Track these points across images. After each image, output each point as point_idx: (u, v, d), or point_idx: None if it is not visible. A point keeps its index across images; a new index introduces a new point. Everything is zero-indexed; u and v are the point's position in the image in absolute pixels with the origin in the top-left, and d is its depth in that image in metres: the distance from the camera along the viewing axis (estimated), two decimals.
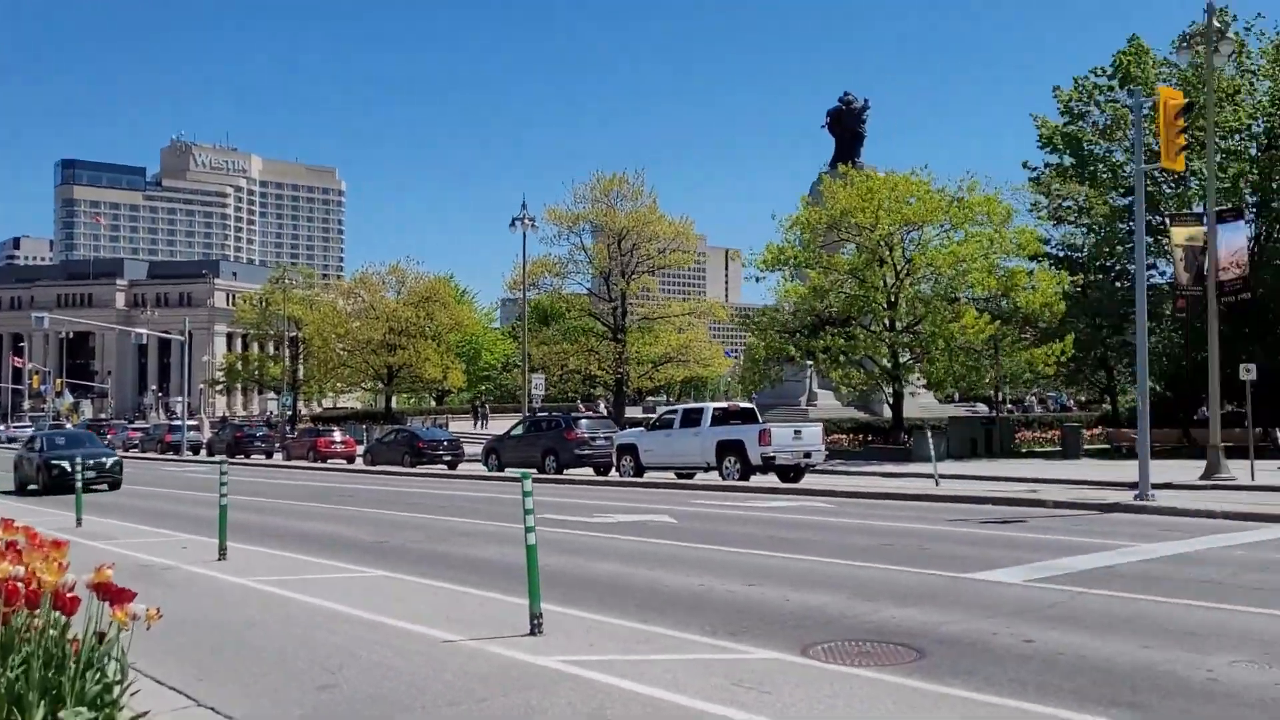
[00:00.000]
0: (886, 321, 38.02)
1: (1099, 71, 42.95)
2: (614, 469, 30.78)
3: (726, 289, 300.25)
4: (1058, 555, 12.49)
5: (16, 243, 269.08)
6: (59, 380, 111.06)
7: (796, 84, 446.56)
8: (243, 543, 14.94)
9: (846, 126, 64.41)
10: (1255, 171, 37.98)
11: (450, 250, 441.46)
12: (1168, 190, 40.65)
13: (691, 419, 28.66)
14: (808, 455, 27.03)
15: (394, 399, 71.84)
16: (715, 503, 21.52)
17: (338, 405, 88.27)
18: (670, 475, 29.40)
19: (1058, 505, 18.30)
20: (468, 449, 46.18)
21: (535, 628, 8.71)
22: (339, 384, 70.99)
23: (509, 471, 34.65)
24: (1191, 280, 24.65)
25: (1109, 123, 41.67)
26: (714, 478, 27.67)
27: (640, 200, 51.96)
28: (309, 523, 19.04)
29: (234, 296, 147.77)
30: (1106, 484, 23.82)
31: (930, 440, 26.51)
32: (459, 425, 67.26)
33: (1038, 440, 43.13)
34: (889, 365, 38.26)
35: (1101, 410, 52.54)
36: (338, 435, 47.00)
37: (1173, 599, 9.67)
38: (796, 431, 27.26)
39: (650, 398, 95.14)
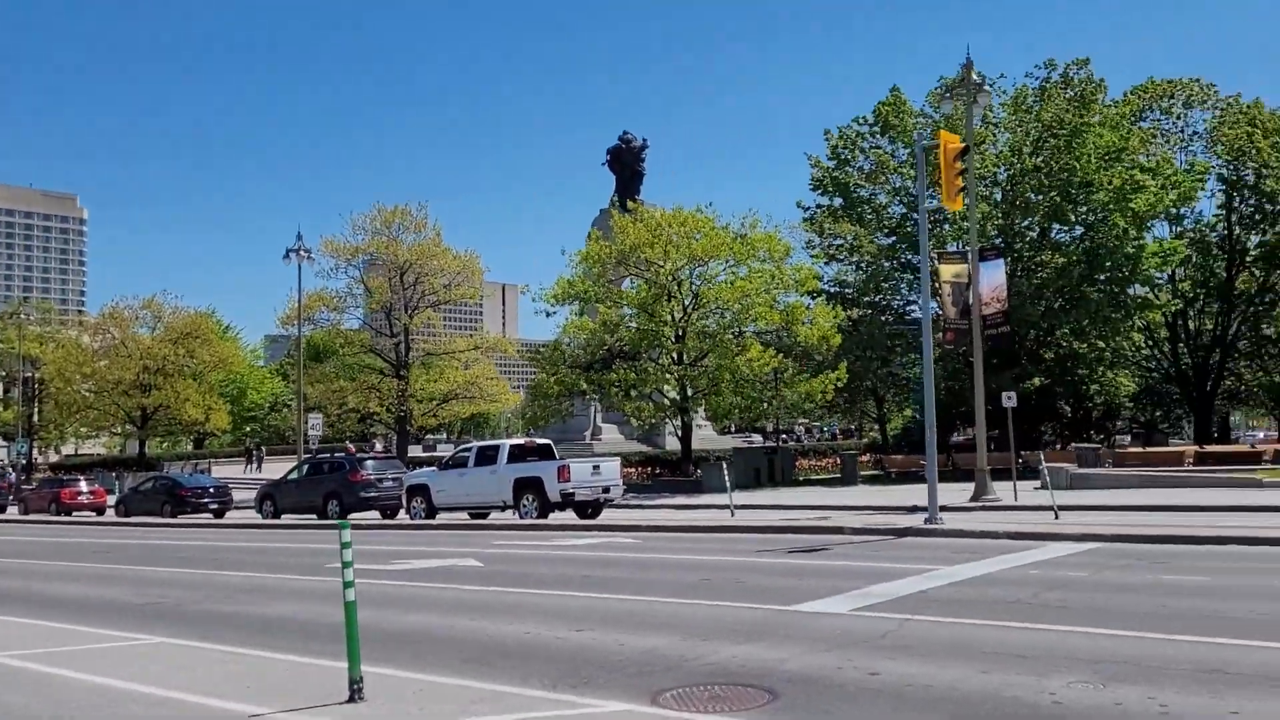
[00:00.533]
0: (675, 355, 38.61)
1: (861, 120, 45.85)
2: (404, 511, 29.42)
3: (504, 325, 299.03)
4: (871, 582, 12.72)
5: None
6: None
7: (577, 123, 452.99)
8: None
9: (626, 164, 65.81)
10: (999, 216, 41.53)
11: (210, 286, 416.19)
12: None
13: (487, 456, 27.84)
14: (606, 490, 26.81)
15: (148, 444, 66.18)
16: (518, 543, 20.84)
17: (79, 452, 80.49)
18: (463, 516, 28.42)
19: (855, 532, 18.88)
20: (238, 495, 43.21)
21: (356, 694, 7.85)
22: (84, 429, 64.69)
23: (286, 519, 32.56)
24: (958, 314, 26.33)
25: (873, 168, 44.46)
26: (510, 517, 26.97)
27: (424, 233, 50.63)
28: (62, 585, 16.87)
29: None
30: (890, 509, 24.96)
31: (727, 471, 26.96)
32: (226, 470, 62.85)
33: (815, 468, 45.02)
34: (677, 398, 38.84)
35: (869, 437, 55.61)
36: (84, 485, 42.60)
37: (992, 621, 9.96)
38: (595, 467, 26.99)
39: (430, 436, 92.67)
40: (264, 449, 67.80)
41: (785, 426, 67.31)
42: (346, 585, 8.01)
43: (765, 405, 38.12)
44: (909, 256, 44.23)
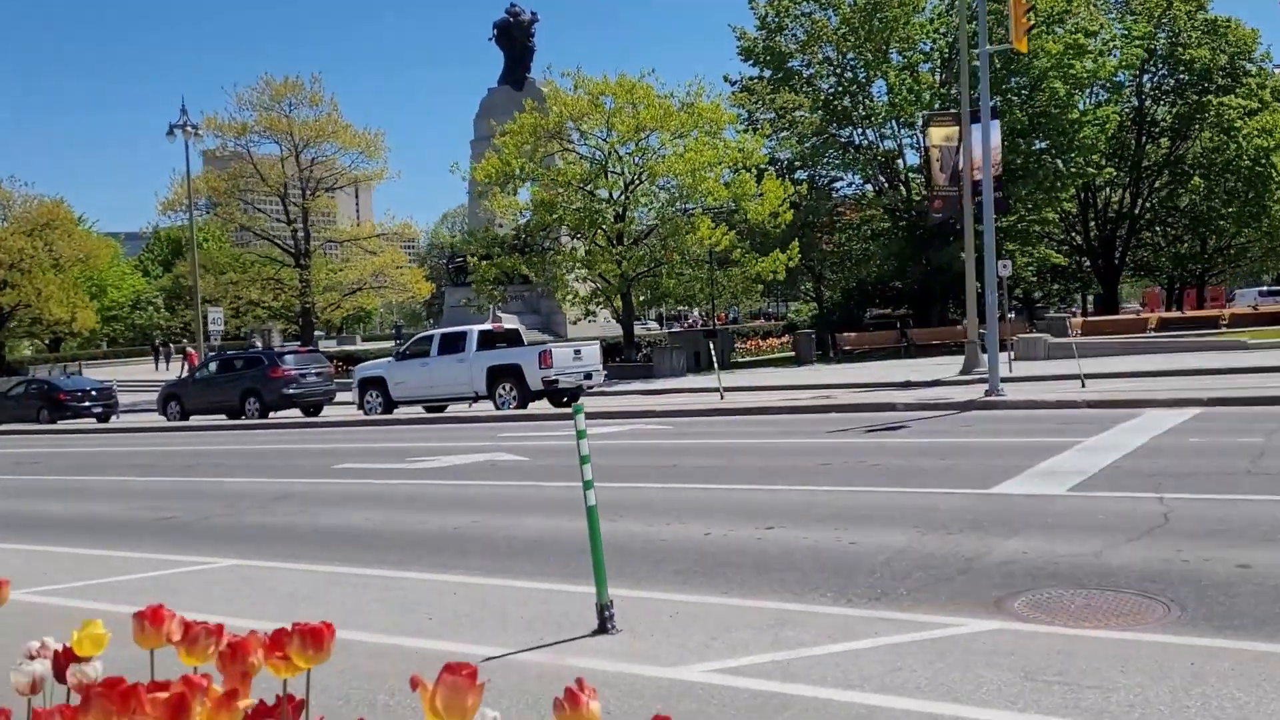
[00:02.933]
0: (615, 235, 36.53)
1: None
2: (358, 406, 26.93)
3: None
4: (1030, 459, 11.46)
5: None
6: None
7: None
8: None
9: (515, 40, 61.95)
10: (940, 84, 40.47)
11: (54, 177, 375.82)
12: (857, 103, 42.42)
13: (452, 344, 25.52)
14: (588, 377, 25.02)
15: (6, 348, 60.13)
16: (532, 434, 18.89)
17: None
18: (418, 410, 26.21)
19: (909, 408, 17.74)
20: (129, 399, 39.69)
21: (607, 623, 6.06)
22: None
23: (195, 420, 29.65)
24: (948, 180, 25.17)
25: (806, 37, 42.55)
26: (476, 409, 24.97)
27: (320, 108, 46.19)
28: (30, 503, 14.11)
29: None
30: (884, 385, 24.04)
31: (714, 352, 25.52)
32: (100, 374, 57.77)
33: (746, 350, 44.05)
34: (617, 281, 36.89)
35: (790, 319, 55.00)
36: None
37: (1263, 496, 8.82)
38: (576, 351, 25.11)
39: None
40: (171, 346, 62.67)
41: (722, 310, 66.08)
42: (587, 486, 6.14)
43: (708, 287, 36.56)
44: (841, 131, 42.98)
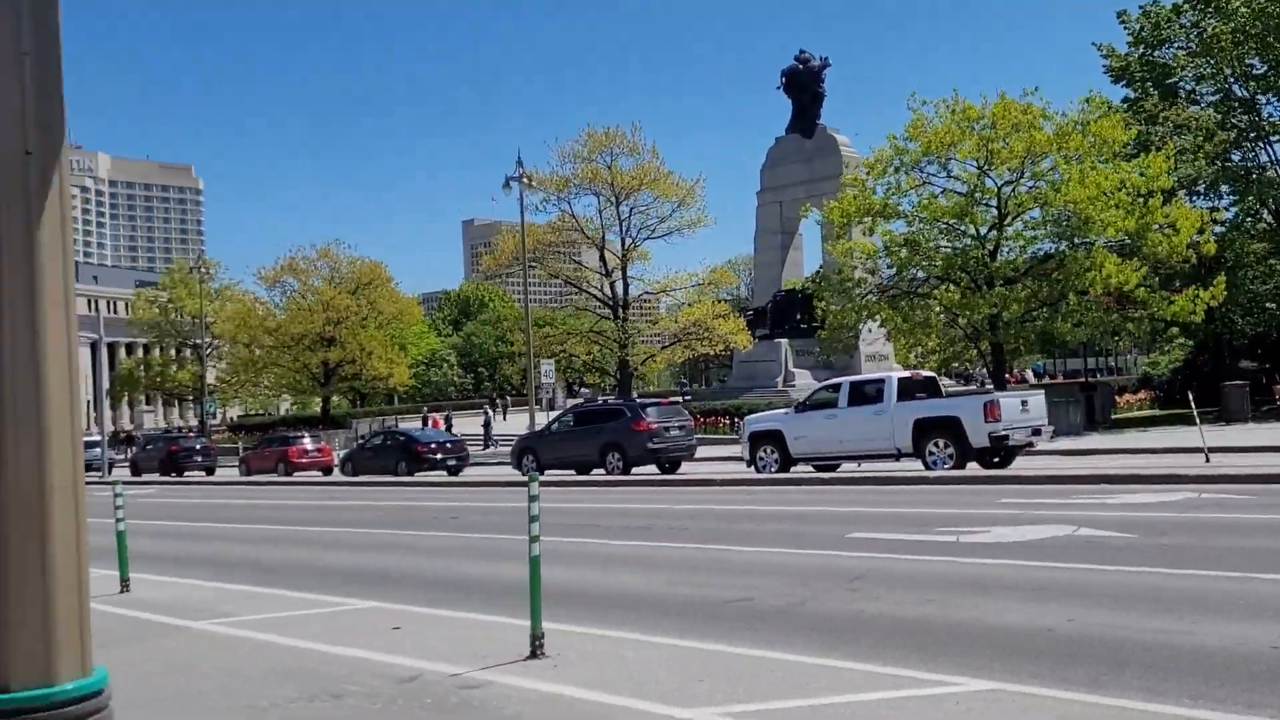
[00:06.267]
0: (985, 276, 32.45)
1: None
2: (749, 463, 24.22)
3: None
4: None
5: None
6: None
7: (747, 43, 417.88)
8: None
9: (804, 87, 59.35)
10: None
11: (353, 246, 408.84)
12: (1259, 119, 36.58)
13: (865, 394, 22.33)
14: (1036, 432, 21.13)
15: (329, 403, 62.87)
16: (1043, 501, 15.20)
17: (249, 413, 78.06)
18: (809, 469, 23.13)
19: None
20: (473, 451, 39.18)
21: None
22: (268, 387, 61.64)
23: (550, 474, 27.90)
24: None
25: (1197, 48, 37.24)
26: (893, 467, 21.57)
27: (640, 156, 45.11)
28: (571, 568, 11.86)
29: (97, 302, 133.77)
30: None
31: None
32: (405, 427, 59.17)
33: (1136, 404, 38.39)
34: (984, 327, 32.66)
35: (1144, 370, 48.50)
36: (309, 443, 38.74)
37: None
38: (1023, 402, 21.29)
39: (584, 389, 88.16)
40: (505, 400, 63.95)
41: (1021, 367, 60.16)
42: None
43: (1109, 333, 31.69)
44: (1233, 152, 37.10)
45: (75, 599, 3.03)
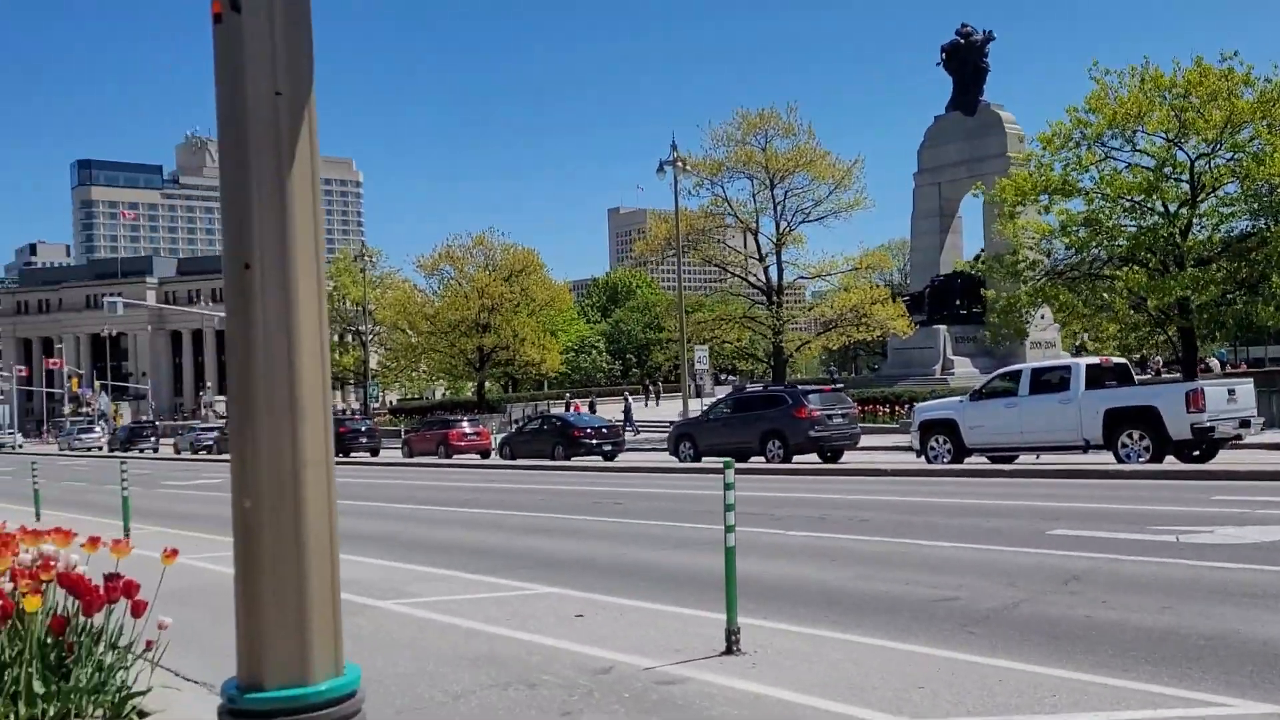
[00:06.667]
0: (1175, 256, 30.20)
1: None
2: (918, 453, 23.21)
3: None
4: None
5: (33, 248, 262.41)
6: (98, 383, 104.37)
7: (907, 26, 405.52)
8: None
9: (967, 62, 56.68)
10: None
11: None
12: None
13: (1048, 382, 21.01)
14: (1244, 424, 19.42)
15: (483, 387, 64.22)
16: (1269, 499, 13.82)
17: (408, 398, 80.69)
18: (983, 460, 21.92)
19: None
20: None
21: None
22: (426, 371, 63.52)
23: (706, 461, 27.51)
24: None
25: None
26: (1082, 461, 20.17)
27: (795, 138, 44.03)
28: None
29: None
30: None
31: None
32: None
33: None
34: (1175, 312, 30.39)
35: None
36: (468, 426, 39.54)
37: None
38: (1230, 391, 19.61)
39: (731, 376, 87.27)
40: (658, 386, 64.42)
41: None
42: None
43: None
44: None
45: (328, 587, 2.72)
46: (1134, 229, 30.08)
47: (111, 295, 70.80)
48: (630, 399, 53.60)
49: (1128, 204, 30.33)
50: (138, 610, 4.76)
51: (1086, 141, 30.31)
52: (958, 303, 47.55)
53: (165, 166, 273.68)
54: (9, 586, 4.56)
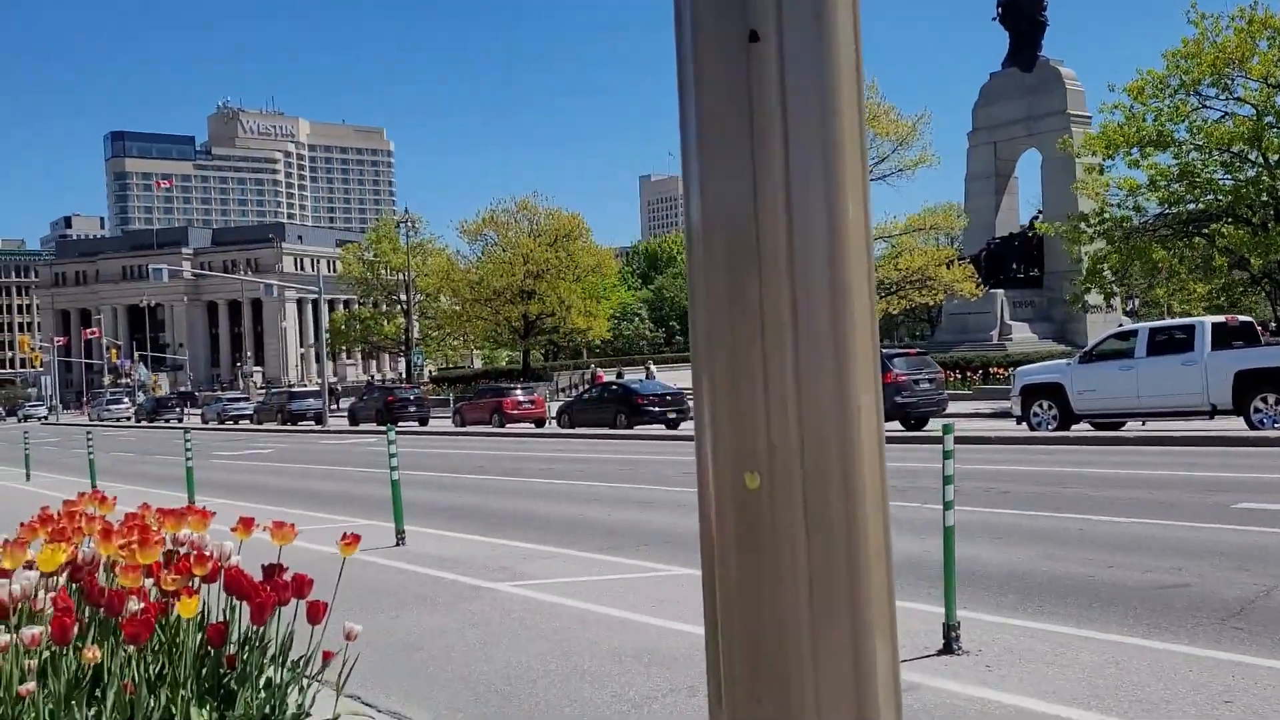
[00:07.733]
0: (1275, 211, 28.39)
1: None
2: (1020, 419, 21.76)
3: None
4: None
5: (68, 221, 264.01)
6: (136, 353, 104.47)
7: None
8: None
9: (1024, 15, 54.14)
10: None
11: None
12: None
13: (1168, 342, 19.48)
14: None
15: (529, 355, 63.15)
16: None
17: (452, 366, 79.80)
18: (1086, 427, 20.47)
19: None
20: None
21: None
22: (472, 339, 62.49)
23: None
24: None
25: None
26: (1203, 426, 18.69)
27: None
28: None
29: (302, 260, 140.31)
30: None
31: None
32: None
33: None
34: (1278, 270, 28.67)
35: None
36: (521, 394, 38.44)
37: None
38: None
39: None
40: None
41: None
42: None
43: None
44: None
45: (885, 598, 1.40)
46: (1231, 183, 28.25)
47: (153, 265, 70.33)
48: (652, 368, 52.07)
49: (1225, 156, 28.51)
50: (315, 614, 3.55)
51: (1184, 89, 28.46)
52: (1015, 266, 45.80)
53: (197, 137, 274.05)
54: (148, 584, 3.38)
